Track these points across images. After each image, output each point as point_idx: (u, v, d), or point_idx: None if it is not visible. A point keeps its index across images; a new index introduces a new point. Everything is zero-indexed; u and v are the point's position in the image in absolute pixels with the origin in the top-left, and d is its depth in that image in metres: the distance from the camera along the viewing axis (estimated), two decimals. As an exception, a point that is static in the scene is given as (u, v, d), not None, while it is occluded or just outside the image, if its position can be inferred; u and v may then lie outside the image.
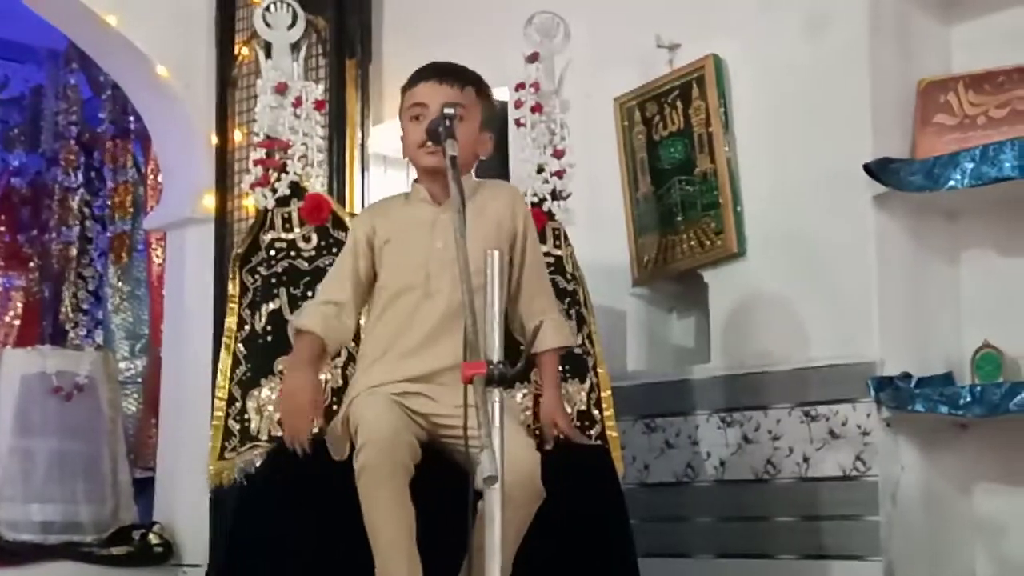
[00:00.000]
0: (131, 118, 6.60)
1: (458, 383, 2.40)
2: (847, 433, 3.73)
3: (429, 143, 3.00)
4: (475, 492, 2.40)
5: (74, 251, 6.89)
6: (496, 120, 3.33)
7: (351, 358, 3.44)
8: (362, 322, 3.26)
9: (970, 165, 3.59)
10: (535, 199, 3.67)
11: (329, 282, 3.22)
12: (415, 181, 3.23)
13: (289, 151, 3.61)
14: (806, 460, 3.82)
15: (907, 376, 3.70)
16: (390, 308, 3.12)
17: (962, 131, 3.76)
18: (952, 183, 3.62)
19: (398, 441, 2.87)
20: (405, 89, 3.18)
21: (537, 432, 3.26)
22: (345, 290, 3.15)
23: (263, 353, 3.47)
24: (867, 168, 3.72)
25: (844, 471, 3.73)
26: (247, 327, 3.53)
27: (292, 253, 3.55)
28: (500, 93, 4.33)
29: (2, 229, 7.28)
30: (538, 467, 2.91)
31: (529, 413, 3.38)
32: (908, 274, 3.82)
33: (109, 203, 6.85)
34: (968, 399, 3.55)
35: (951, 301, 3.89)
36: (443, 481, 2.81)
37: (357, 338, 3.28)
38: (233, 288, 3.62)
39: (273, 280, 3.53)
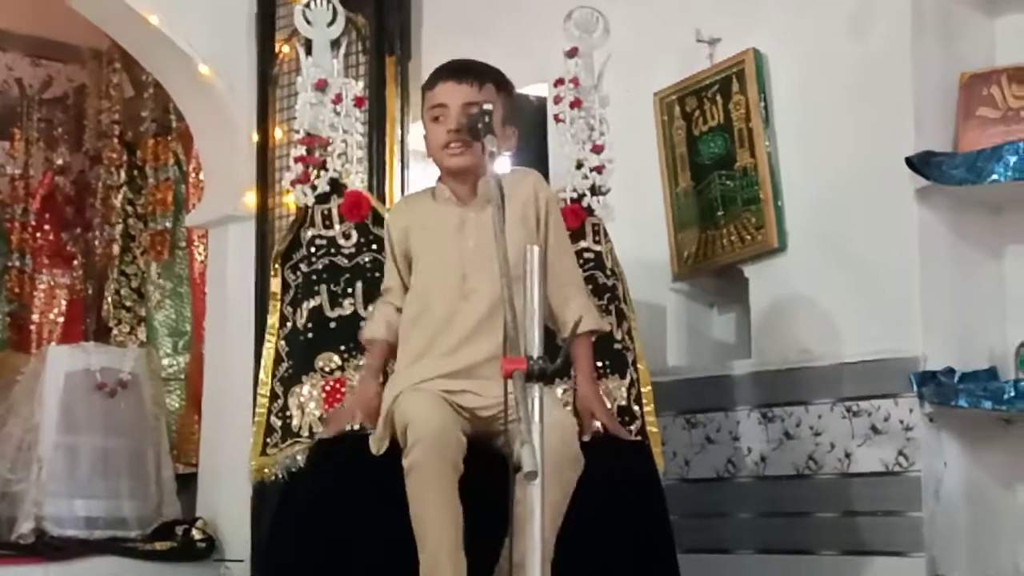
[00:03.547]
0: (173, 116, 6.63)
1: (499, 374, 2.39)
2: (889, 429, 3.71)
3: (452, 144, 3.05)
4: (515, 467, 2.38)
5: (117, 249, 6.92)
6: (519, 114, 3.32)
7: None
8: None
9: (1013, 158, 3.57)
10: (574, 195, 3.67)
11: (386, 282, 3.31)
12: (439, 180, 3.24)
13: (329, 148, 3.63)
14: (848, 456, 3.80)
15: (950, 371, 3.67)
16: (425, 311, 3.13)
17: (1005, 124, 3.73)
18: (995, 177, 3.59)
19: (447, 439, 2.88)
20: (425, 90, 3.19)
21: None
22: (399, 289, 3.23)
23: (305, 350, 3.49)
24: (909, 162, 3.69)
25: (886, 467, 3.71)
26: (289, 324, 3.55)
27: (332, 250, 3.56)
28: (539, 88, 4.36)
29: (47, 227, 7.34)
30: (575, 431, 2.95)
31: (570, 408, 3.37)
32: (951, 268, 3.79)
33: (151, 201, 6.89)
34: (1012, 394, 3.52)
35: (995, 295, 3.86)
36: (484, 464, 2.82)
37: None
38: (275, 285, 3.65)
39: (314, 277, 3.54)
